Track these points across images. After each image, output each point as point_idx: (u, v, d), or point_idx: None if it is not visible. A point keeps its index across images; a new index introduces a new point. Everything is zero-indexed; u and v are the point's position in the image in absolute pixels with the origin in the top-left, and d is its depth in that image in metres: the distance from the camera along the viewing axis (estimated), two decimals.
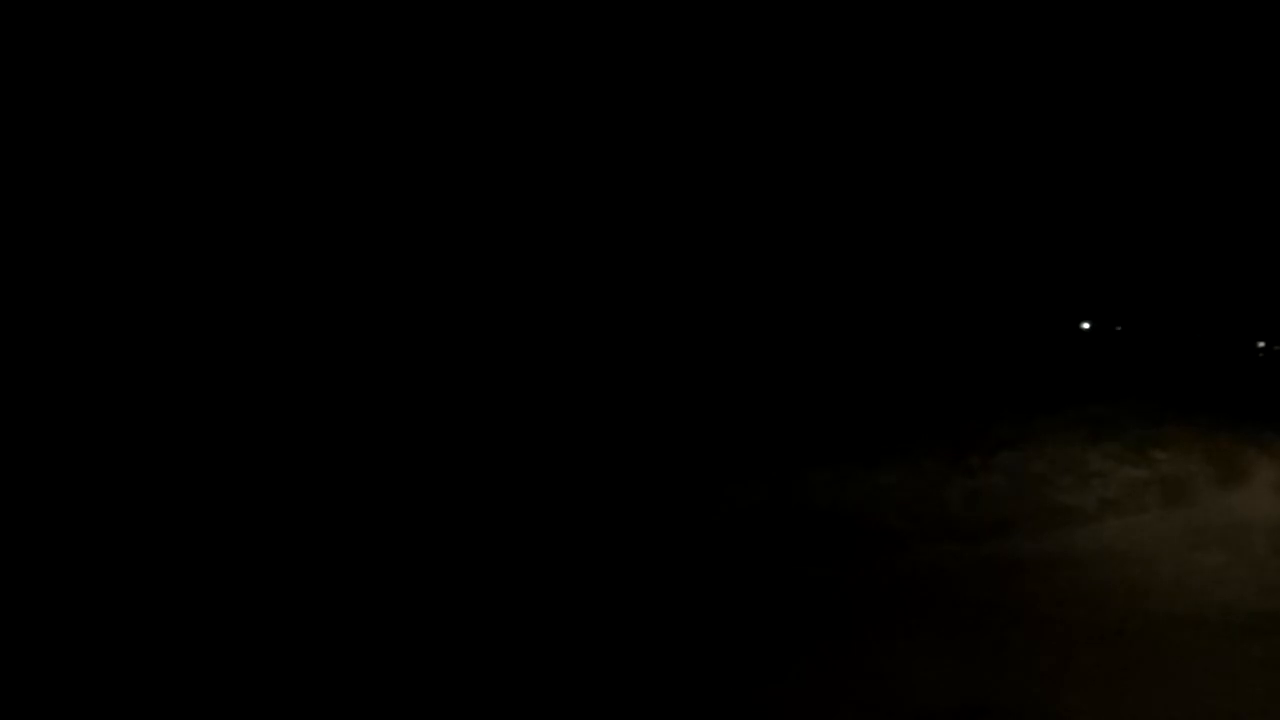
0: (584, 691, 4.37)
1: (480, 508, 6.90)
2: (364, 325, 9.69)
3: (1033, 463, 8.39)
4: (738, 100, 11.85)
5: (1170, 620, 5.21)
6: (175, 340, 8.66)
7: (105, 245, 8.79)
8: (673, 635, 4.99)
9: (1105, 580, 5.91)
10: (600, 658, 4.71)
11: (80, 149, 8.85)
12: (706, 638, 4.97)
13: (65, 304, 8.39)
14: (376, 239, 10.25)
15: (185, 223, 9.28)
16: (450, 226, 10.63)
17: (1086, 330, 15.02)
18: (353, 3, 10.10)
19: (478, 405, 8.93)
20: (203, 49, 9.34)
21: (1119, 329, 15.18)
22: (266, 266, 9.52)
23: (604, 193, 11.53)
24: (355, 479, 7.14)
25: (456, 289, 10.48)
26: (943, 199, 13.25)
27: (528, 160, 11.06)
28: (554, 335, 10.59)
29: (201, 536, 6.04)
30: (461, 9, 10.45)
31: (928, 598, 5.63)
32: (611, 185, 11.57)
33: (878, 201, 12.91)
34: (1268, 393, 12.58)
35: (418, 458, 7.63)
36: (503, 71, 10.80)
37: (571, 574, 5.90)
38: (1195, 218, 13.95)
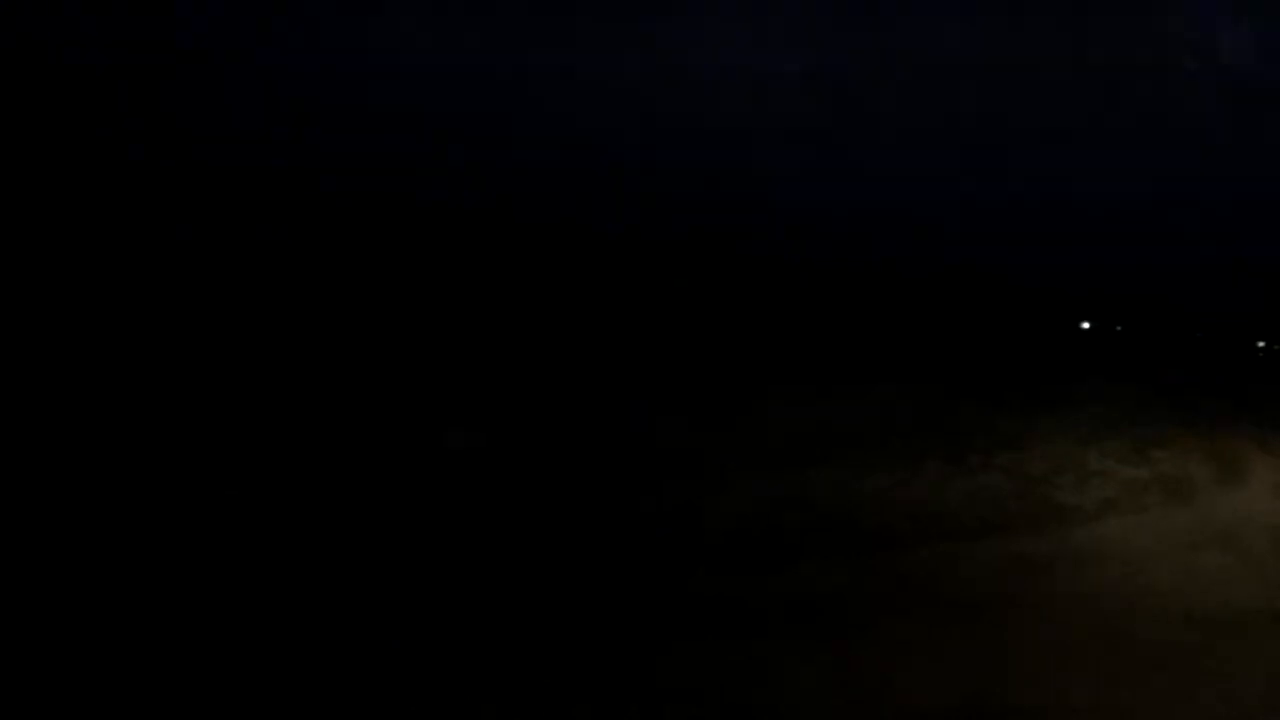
0: (582, 691, 4.37)
1: (478, 508, 6.90)
2: (361, 325, 9.69)
3: (1033, 463, 8.39)
4: (738, 100, 11.84)
5: (1170, 619, 5.21)
6: (175, 340, 8.66)
7: (105, 245, 8.79)
8: (672, 635, 4.99)
9: (1105, 580, 5.91)
10: (599, 657, 4.72)
11: (79, 149, 8.85)
12: (706, 638, 4.97)
13: (65, 304, 8.39)
14: (375, 239, 10.25)
15: (184, 223, 9.28)
16: (450, 227, 10.63)
17: (1086, 330, 15.03)
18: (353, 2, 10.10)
19: (477, 405, 8.94)
20: (203, 48, 9.34)
21: (1119, 329, 15.19)
22: (265, 266, 9.52)
23: (604, 194, 11.53)
24: (343, 479, 7.14)
25: (456, 289, 10.48)
26: (943, 199, 13.24)
27: (526, 160, 11.06)
28: (553, 335, 10.59)
29: (201, 536, 6.04)
30: (462, 9, 10.45)
31: (928, 598, 5.63)
32: (611, 186, 11.57)
33: (878, 202, 12.91)
34: (1268, 393, 12.57)
35: (418, 458, 7.62)
36: (501, 70, 10.80)
37: (569, 574, 5.90)
38: (1195, 217, 13.95)
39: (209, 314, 8.91)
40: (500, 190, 9.84)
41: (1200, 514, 7.40)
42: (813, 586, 5.82)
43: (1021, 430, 9.29)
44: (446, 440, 7.57)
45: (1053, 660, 4.65)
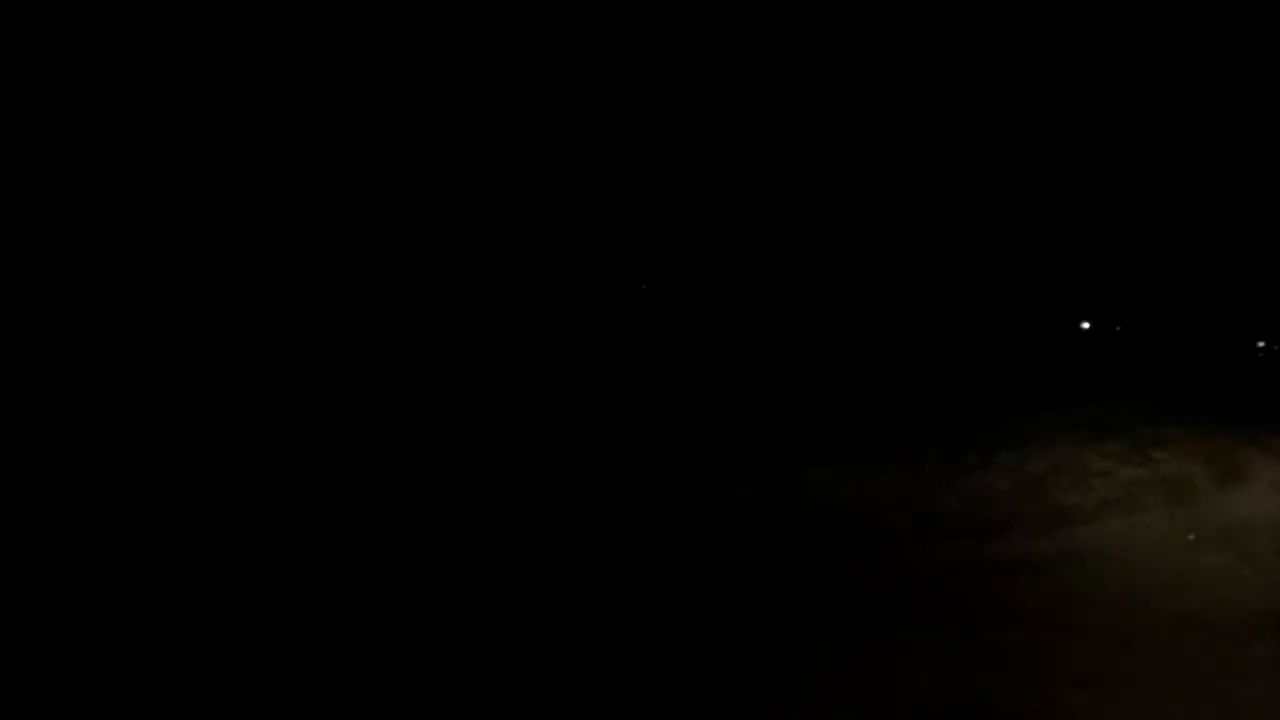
0: (583, 691, 4.37)
1: (481, 508, 6.90)
2: (363, 325, 9.69)
3: (1033, 463, 8.39)
4: (738, 99, 11.84)
5: (1170, 620, 5.20)
6: (175, 340, 8.66)
7: (105, 245, 8.79)
8: (671, 635, 4.99)
9: (1105, 580, 5.91)
10: (599, 658, 4.71)
11: (80, 149, 8.85)
12: (705, 638, 4.96)
13: (65, 304, 8.39)
14: (376, 239, 10.25)
15: (185, 223, 9.28)
16: (450, 227, 10.63)
17: (1086, 330, 15.02)
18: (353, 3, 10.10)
19: (479, 406, 8.94)
20: (202, 49, 9.34)
21: (1119, 329, 15.18)
22: (266, 267, 9.52)
23: (604, 192, 11.53)
24: (357, 480, 7.14)
25: (457, 289, 10.48)
26: (943, 198, 13.25)
27: (527, 160, 11.06)
28: (554, 336, 10.59)
29: (202, 537, 6.04)
30: (463, 9, 10.45)
31: (928, 598, 5.63)
32: (611, 185, 11.57)
33: (878, 201, 12.91)
34: (1268, 393, 12.57)
35: (419, 458, 7.63)
36: (503, 72, 10.80)
37: (571, 574, 5.90)
38: (1195, 218, 13.95)
39: None
40: None
41: (1200, 514, 7.38)
42: (810, 587, 5.82)
43: (1021, 430, 9.29)
44: None
45: (1052, 661, 4.64)
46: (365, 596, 5.40)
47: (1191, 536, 6.79)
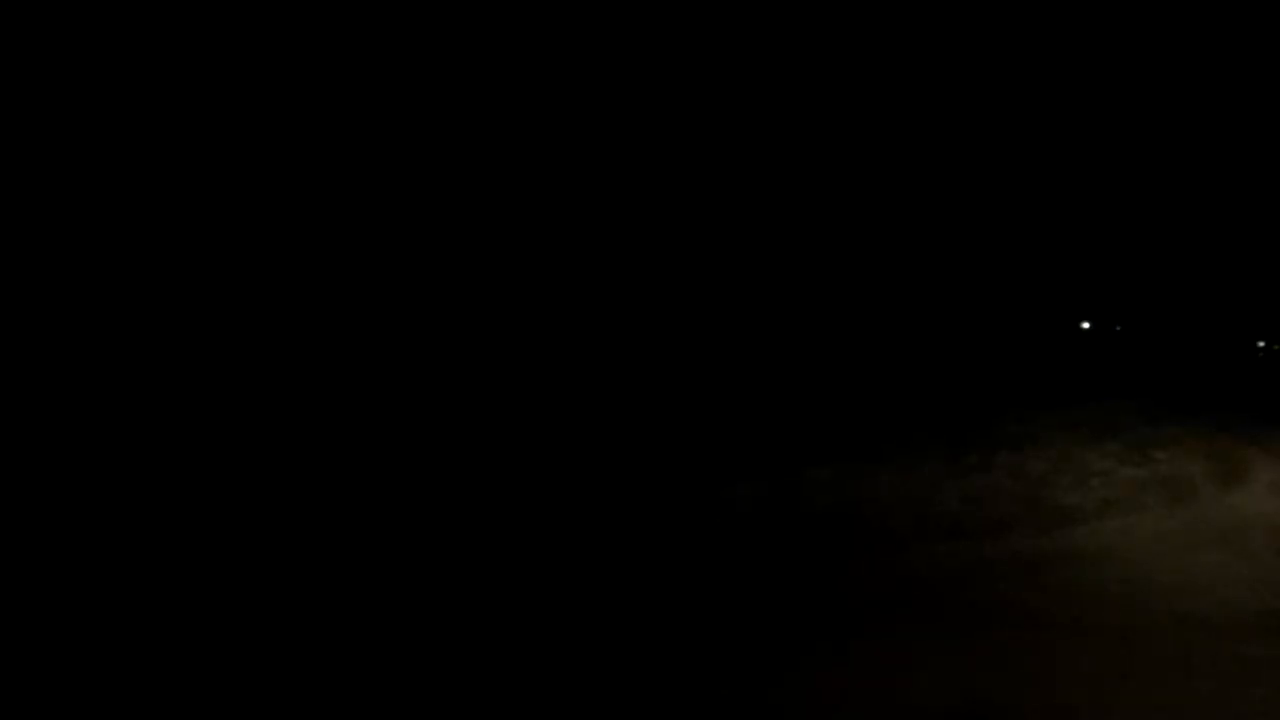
0: (584, 691, 4.37)
1: (481, 507, 6.90)
2: (365, 326, 9.69)
3: (1033, 463, 8.39)
4: (739, 102, 11.85)
5: (1170, 619, 5.20)
6: (176, 340, 8.66)
7: (106, 245, 8.79)
8: (672, 635, 4.99)
9: (1105, 580, 5.91)
10: (600, 657, 4.71)
11: (80, 149, 8.85)
12: (706, 638, 4.96)
13: (66, 304, 8.40)
14: (376, 240, 10.25)
15: (185, 223, 9.29)
16: (451, 227, 10.63)
17: (1086, 330, 15.02)
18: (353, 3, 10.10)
19: (479, 406, 8.94)
20: (203, 49, 9.34)
21: (1119, 329, 15.18)
22: (267, 267, 9.52)
23: (605, 195, 11.53)
24: (357, 479, 7.14)
25: (458, 290, 10.48)
26: (943, 200, 13.25)
27: (529, 161, 11.06)
28: (555, 336, 10.60)
29: (202, 537, 6.04)
30: (463, 10, 10.45)
31: (928, 598, 5.63)
32: (613, 187, 11.57)
33: (878, 203, 12.91)
34: (1268, 393, 12.58)
35: (420, 458, 7.63)
36: (503, 72, 10.80)
37: (572, 574, 5.90)
38: (1195, 218, 13.95)
39: None
40: None
41: (1200, 514, 7.39)
42: (811, 586, 5.82)
43: (1021, 430, 9.29)
44: None
45: (1052, 660, 4.64)
46: (365, 596, 5.40)
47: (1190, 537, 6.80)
